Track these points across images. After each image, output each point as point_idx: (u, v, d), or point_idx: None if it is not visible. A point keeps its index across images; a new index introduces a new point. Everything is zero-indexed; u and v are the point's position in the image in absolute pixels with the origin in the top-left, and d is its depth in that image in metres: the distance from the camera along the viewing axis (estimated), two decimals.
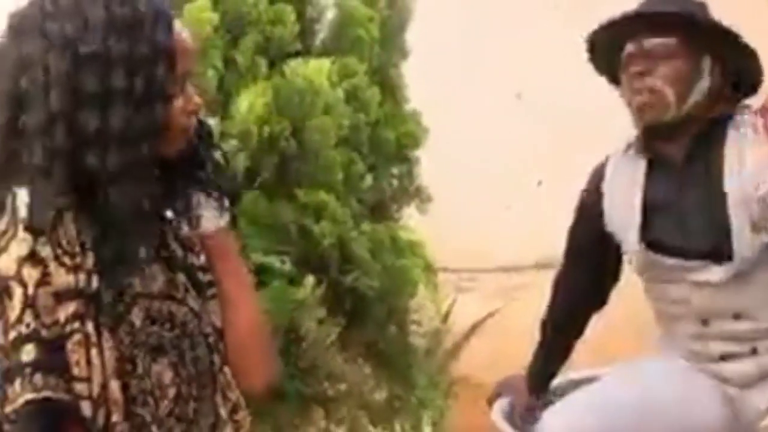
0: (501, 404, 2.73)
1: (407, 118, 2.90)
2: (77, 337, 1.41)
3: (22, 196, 1.43)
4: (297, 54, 2.73)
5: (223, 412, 1.63)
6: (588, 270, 2.63)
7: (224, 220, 1.65)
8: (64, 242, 1.42)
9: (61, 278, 1.41)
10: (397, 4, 2.94)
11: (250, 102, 2.59)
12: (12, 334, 1.38)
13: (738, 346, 2.31)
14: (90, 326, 1.42)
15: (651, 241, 2.38)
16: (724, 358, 2.32)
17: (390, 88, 2.88)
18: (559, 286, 2.71)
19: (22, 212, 1.42)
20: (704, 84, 2.28)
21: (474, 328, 3.82)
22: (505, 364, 3.01)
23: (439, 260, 3.40)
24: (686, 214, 2.32)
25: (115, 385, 1.44)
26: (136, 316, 1.51)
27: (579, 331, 2.73)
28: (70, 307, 1.41)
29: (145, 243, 1.53)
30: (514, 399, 2.73)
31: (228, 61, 2.71)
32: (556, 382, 2.80)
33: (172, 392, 1.55)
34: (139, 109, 1.45)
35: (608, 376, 2.46)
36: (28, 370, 1.37)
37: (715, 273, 2.27)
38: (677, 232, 2.34)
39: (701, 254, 2.29)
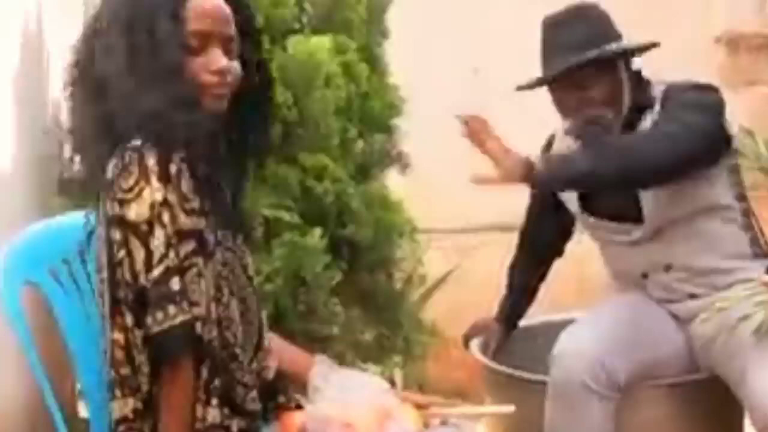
0: (476, 342, 3.10)
1: (390, 90, 3.21)
2: (195, 269, 1.69)
3: (149, 153, 1.67)
4: (295, 32, 3.03)
5: (265, 342, 1.94)
6: (546, 225, 2.97)
7: None
8: (184, 190, 1.69)
9: (182, 220, 1.68)
10: None
11: None
12: (160, 268, 1.65)
13: (676, 294, 2.61)
14: (201, 261, 1.71)
15: (587, 206, 2.71)
16: (667, 301, 2.66)
17: (375, 64, 3.17)
18: (524, 236, 3.06)
19: (153, 165, 1.66)
20: (627, 88, 2.55)
21: (438, 283, 4.13)
22: (464, 317, 3.32)
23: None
24: None
25: (213, 308, 1.75)
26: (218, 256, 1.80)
27: (541, 277, 3.09)
28: (189, 245, 1.69)
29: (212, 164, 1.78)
30: (487, 337, 3.09)
31: None
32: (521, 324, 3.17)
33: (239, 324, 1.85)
34: (154, 57, 1.71)
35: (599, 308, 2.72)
36: (178, 297, 1.66)
37: (635, 233, 2.58)
38: (604, 199, 2.66)
39: (624, 217, 2.60)
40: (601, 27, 2.57)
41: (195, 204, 1.71)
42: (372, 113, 3.13)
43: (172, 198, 1.67)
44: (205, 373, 1.73)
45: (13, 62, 2.92)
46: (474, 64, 4.49)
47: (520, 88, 2.67)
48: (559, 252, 3.04)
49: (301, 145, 2.90)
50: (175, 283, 1.67)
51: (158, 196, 1.66)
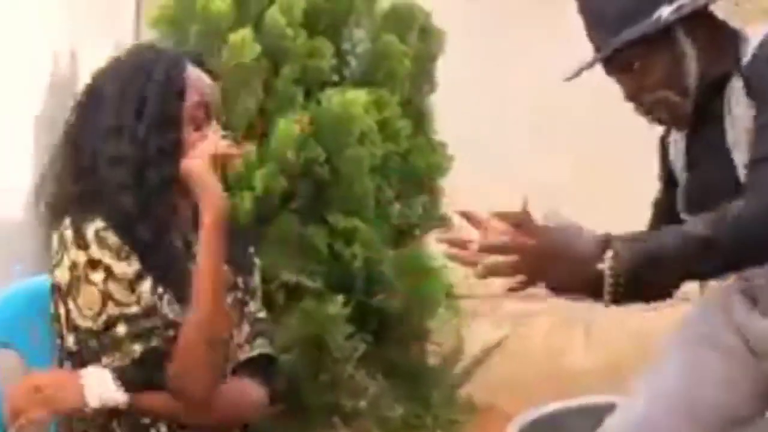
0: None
1: (435, 149, 3.02)
2: (167, 296, 1.83)
3: (66, 223, 1.82)
4: (334, 84, 2.87)
5: None
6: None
7: None
8: (111, 245, 1.79)
9: (124, 268, 1.79)
10: (429, 38, 3.06)
11: (287, 128, 2.72)
12: (102, 318, 1.78)
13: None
14: (160, 287, 1.82)
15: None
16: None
17: (419, 120, 3.00)
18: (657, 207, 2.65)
19: (69, 235, 1.80)
20: (693, 58, 2.04)
21: (486, 353, 3.90)
22: (512, 390, 3.11)
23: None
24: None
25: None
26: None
27: None
28: (146, 283, 1.81)
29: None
30: None
31: (268, 89, 2.84)
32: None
33: None
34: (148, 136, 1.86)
35: None
36: (127, 341, 1.78)
37: None
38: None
39: None
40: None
41: (126, 253, 1.81)
42: (413, 172, 2.95)
43: (103, 255, 1.79)
44: None
45: (36, 104, 2.84)
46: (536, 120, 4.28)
47: (567, 79, 2.12)
48: None
49: (332, 206, 2.75)
50: (120, 329, 1.79)
51: (82, 259, 1.79)
